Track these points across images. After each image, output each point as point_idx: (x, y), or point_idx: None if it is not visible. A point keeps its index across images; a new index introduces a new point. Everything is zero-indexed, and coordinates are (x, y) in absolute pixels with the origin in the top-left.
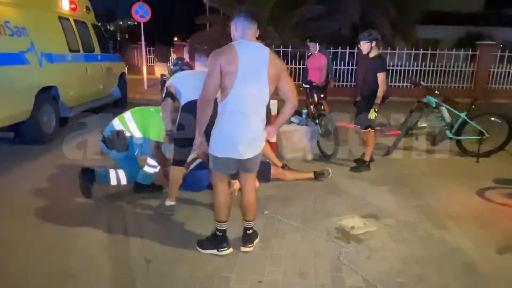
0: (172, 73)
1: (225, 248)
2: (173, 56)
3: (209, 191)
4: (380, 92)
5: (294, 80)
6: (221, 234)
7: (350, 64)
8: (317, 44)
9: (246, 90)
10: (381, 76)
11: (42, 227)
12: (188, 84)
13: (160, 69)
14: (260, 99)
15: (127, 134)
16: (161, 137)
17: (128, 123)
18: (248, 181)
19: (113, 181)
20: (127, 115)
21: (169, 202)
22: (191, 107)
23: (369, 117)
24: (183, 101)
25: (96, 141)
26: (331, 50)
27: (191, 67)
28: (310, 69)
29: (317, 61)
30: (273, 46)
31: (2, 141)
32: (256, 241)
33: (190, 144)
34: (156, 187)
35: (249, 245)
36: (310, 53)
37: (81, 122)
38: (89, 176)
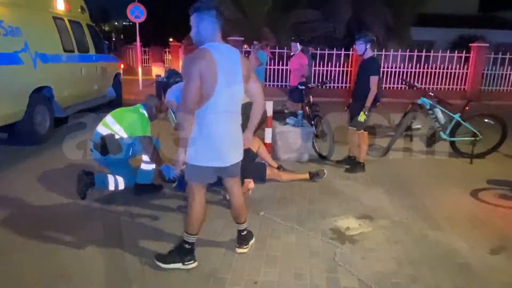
0: (168, 86)
1: (191, 262)
2: (169, 57)
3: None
4: (370, 96)
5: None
6: (189, 247)
7: (345, 66)
8: (298, 44)
9: (227, 95)
10: (373, 80)
11: (36, 228)
12: None
13: (156, 70)
14: (239, 102)
15: (116, 137)
16: (148, 131)
17: (111, 126)
18: (235, 185)
19: (111, 187)
20: (109, 118)
21: None
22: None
23: (358, 119)
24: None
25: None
26: (326, 52)
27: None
28: (291, 69)
29: (297, 61)
30: (269, 47)
31: None
32: (252, 242)
33: None
34: (156, 187)
35: (245, 246)
36: (292, 53)
37: (79, 122)
38: (89, 180)
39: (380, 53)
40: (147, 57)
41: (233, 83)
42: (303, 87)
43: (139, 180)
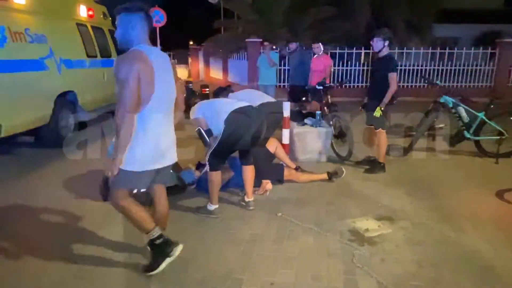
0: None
1: (174, 247)
2: (190, 60)
3: (224, 194)
4: (390, 92)
5: None
6: (161, 240)
7: (366, 65)
8: (321, 44)
9: (165, 97)
10: (392, 76)
11: (60, 227)
12: (217, 105)
13: (180, 71)
14: (171, 106)
15: None
16: None
17: None
18: (162, 194)
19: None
20: None
21: (212, 206)
22: (233, 117)
23: (374, 114)
24: (223, 116)
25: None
26: (346, 51)
27: (201, 94)
28: (313, 70)
29: (321, 63)
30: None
31: (22, 145)
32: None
33: (229, 153)
34: (179, 188)
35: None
36: (315, 54)
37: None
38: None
39: (402, 51)
40: (172, 61)
41: (168, 84)
42: (321, 87)
43: None
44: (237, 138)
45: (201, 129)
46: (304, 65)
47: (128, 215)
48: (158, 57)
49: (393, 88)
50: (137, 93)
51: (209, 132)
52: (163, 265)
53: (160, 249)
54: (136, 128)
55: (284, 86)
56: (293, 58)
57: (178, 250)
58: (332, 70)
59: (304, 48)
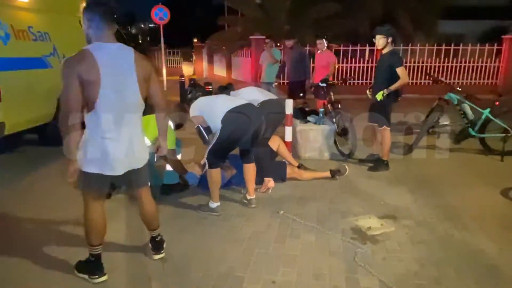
0: (189, 100)
1: (97, 277)
2: (194, 57)
3: (226, 191)
4: (400, 83)
5: None
6: (94, 259)
7: (370, 62)
8: (325, 40)
9: (116, 98)
10: (401, 70)
11: (63, 224)
12: (215, 103)
13: (186, 68)
14: (132, 108)
15: None
16: (173, 143)
17: None
18: (142, 194)
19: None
20: None
21: (214, 204)
22: (230, 117)
23: (375, 97)
24: (219, 116)
25: None
26: (350, 48)
27: (205, 91)
28: (317, 67)
29: (324, 59)
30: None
31: (27, 143)
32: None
33: (228, 152)
34: (182, 186)
35: (162, 252)
36: (318, 51)
37: None
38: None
39: (407, 47)
40: (176, 58)
41: (123, 85)
42: (324, 84)
43: (166, 180)
44: (235, 138)
45: (200, 126)
46: (302, 62)
47: (84, 217)
48: (110, 56)
49: (404, 80)
50: (75, 94)
51: (208, 129)
52: (80, 275)
53: (89, 265)
54: (86, 129)
55: (283, 83)
56: (291, 54)
57: (99, 280)
58: (336, 67)
59: (300, 45)
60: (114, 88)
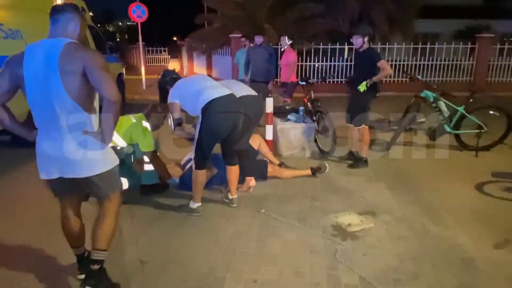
0: (163, 84)
1: (79, 274)
2: (180, 54)
3: (207, 191)
4: (383, 74)
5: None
6: (78, 258)
7: (349, 60)
8: (287, 38)
9: (37, 96)
10: (382, 63)
11: (38, 229)
12: (195, 88)
13: (173, 64)
14: (59, 105)
15: (118, 148)
16: (152, 145)
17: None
18: (102, 205)
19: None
20: None
21: (195, 204)
22: (213, 107)
23: (358, 88)
24: (200, 104)
25: None
26: (329, 46)
27: (175, 73)
28: (282, 65)
29: (285, 57)
30: (271, 44)
31: None
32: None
33: (210, 147)
34: (162, 186)
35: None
36: (282, 49)
37: None
38: None
39: (384, 46)
40: (156, 56)
41: (44, 82)
42: (304, 83)
43: (145, 181)
44: (215, 130)
45: (171, 116)
46: (268, 62)
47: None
48: (36, 54)
49: (387, 71)
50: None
51: (178, 121)
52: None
53: (78, 262)
54: None
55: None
56: (257, 53)
57: (79, 276)
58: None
59: (270, 44)
60: (35, 84)
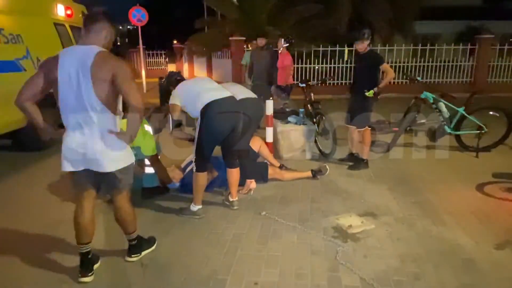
0: (166, 85)
1: (80, 276)
2: (179, 57)
3: (208, 194)
4: (388, 78)
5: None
6: (81, 258)
7: (349, 62)
8: (283, 40)
9: (70, 97)
10: (386, 66)
11: (38, 232)
12: (196, 90)
13: (171, 69)
14: (90, 107)
15: None
16: (154, 148)
17: None
18: (115, 200)
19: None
20: None
21: (195, 207)
22: (212, 108)
23: (366, 94)
24: (200, 106)
25: None
26: (329, 49)
27: (178, 75)
28: (278, 67)
29: (280, 60)
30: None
31: (0, 148)
32: (147, 251)
33: (210, 149)
34: (163, 189)
35: (133, 256)
36: (279, 51)
37: None
38: None
39: (384, 48)
40: (157, 59)
41: (76, 85)
42: (304, 85)
43: (146, 183)
44: (214, 131)
45: (171, 116)
46: (271, 65)
47: (74, 213)
48: (71, 59)
49: (391, 75)
50: (34, 85)
51: (177, 123)
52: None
53: (80, 263)
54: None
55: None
56: (260, 55)
57: (83, 279)
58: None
59: (272, 46)
60: (68, 86)
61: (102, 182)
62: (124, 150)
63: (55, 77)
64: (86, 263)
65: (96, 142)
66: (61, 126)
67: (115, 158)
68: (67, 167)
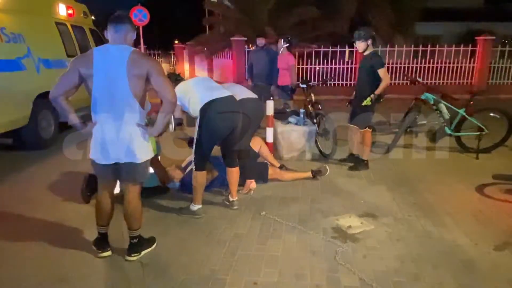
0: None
1: (100, 251)
2: (173, 59)
3: (208, 194)
4: (383, 86)
5: None
6: (99, 236)
7: (349, 63)
8: (283, 40)
9: (104, 93)
10: (382, 71)
11: (39, 232)
12: (196, 89)
13: (165, 67)
14: (123, 101)
15: None
16: (155, 149)
17: None
18: (128, 192)
19: (117, 190)
20: None
21: (195, 207)
22: (212, 108)
23: (363, 103)
24: (200, 105)
25: None
26: (330, 49)
27: (178, 76)
28: (279, 68)
29: (284, 61)
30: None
31: (0, 147)
32: (147, 251)
33: (210, 148)
34: (163, 189)
35: (133, 255)
36: (280, 52)
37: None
38: (93, 184)
39: (385, 49)
40: (157, 59)
41: (111, 82)
42: (304, 86)
43: (146, 183)
44: (213, 130)
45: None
46: (271, 65)
47: (96, 200)
48: (105, 56)
49: (386, 81)
50: (67, 82)
51: (178, 121)
52: (93, 248)
53: (97, 241)
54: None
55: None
56: (259, 55)
57: (102, 254)
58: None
59: (271, 46)
60: (103, 83)
61: (122, 174)
62: (149, 143)
63: (89, 73)
64: (104, 241)
65: (129, 134)
66: (61, 125)
67: (143, 151)
68: (100, 160)
